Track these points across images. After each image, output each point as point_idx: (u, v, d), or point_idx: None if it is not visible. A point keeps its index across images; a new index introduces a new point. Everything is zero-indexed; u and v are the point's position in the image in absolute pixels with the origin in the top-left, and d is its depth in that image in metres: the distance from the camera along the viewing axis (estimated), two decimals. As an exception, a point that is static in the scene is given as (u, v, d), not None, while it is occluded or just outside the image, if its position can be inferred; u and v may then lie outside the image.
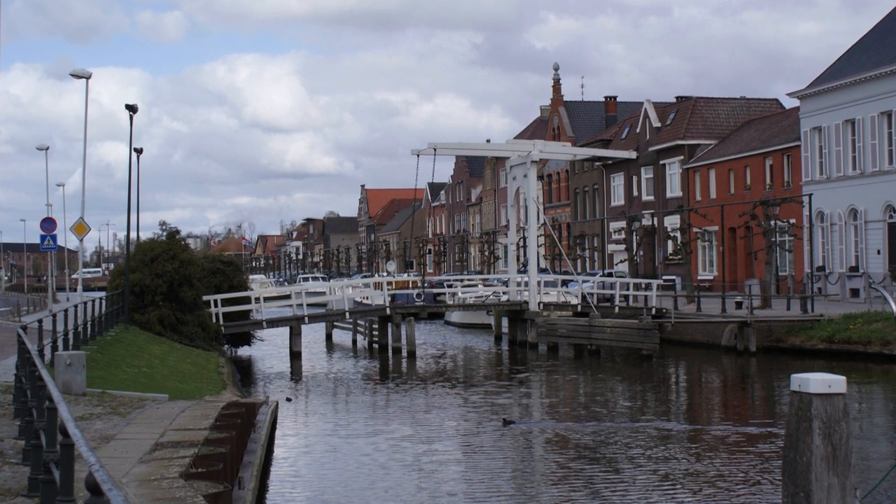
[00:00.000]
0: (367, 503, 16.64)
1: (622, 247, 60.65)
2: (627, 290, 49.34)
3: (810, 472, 9.28)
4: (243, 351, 44.95)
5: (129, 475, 11.77)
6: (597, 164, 75.56)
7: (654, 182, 69.31)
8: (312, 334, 51.51)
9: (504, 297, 48.99)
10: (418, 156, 48.28)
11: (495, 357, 44.11)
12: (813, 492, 9.28)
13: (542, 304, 46.41)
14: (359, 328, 49.25)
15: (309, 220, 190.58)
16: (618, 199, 74.62)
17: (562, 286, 51.43)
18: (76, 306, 26.35)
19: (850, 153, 50.82)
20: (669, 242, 63.07)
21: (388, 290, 46.34)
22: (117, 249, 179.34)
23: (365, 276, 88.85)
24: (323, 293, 56.84)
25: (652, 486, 17.29)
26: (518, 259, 57.79)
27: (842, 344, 36.16)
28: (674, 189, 67.38)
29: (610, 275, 57.07)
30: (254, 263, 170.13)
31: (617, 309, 46.28)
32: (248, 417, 17.73)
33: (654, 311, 43.16)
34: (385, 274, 70.45)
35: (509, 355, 44.06)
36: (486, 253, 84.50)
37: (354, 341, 49.36)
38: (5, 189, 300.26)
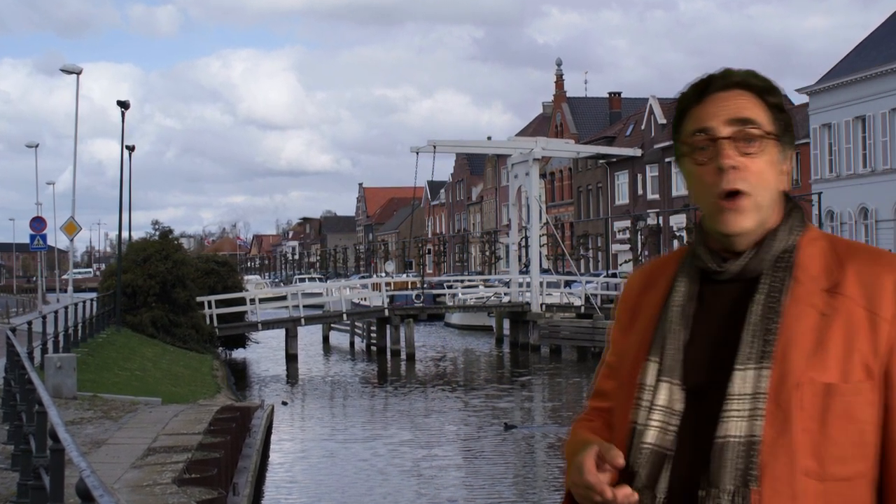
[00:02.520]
0: (366, 511, 16.40)
1: (626, 247, 60.37)
2: (631, 290, 48.89)
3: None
4: (238, 353, 44.64)
5: (121, 481, 11.71)
6: (600, 161, 75.17)
7: (660, 180, 68.97)
8: (309, 336, 51.12)
9: (505, 299, 48.72)
10: (417, 153, 47.82)
11: (496, 360, 43.90)
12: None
13: (544, 306, 46.08)
14: (356, 330, 48.93)
15: (305, 220, 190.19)
16: (622, 197, 74.28)
17: (565, 287, 51.12)
18: (66, 308, 26.22)
19: (860, 150, 50.43)
20: (675, 242, 62.66)
21: (387, 290, 46.07)
22: (109, 249, 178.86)
23: (363, 277, 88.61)
24: (320, 294, 56.62)
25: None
26: (520, 259, 57.38)
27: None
28: (680, 187, 66.85)
29: (614, 275, 56.75)
30: (249, 264, 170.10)
31: (620, 310, 45.83)
32: (243, 422, 17.67)
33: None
34: (383, 274, 70.17)
35: (511, 358, 43.82)
36: (487, 253, 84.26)
37: (352, 343, 49.07)
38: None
